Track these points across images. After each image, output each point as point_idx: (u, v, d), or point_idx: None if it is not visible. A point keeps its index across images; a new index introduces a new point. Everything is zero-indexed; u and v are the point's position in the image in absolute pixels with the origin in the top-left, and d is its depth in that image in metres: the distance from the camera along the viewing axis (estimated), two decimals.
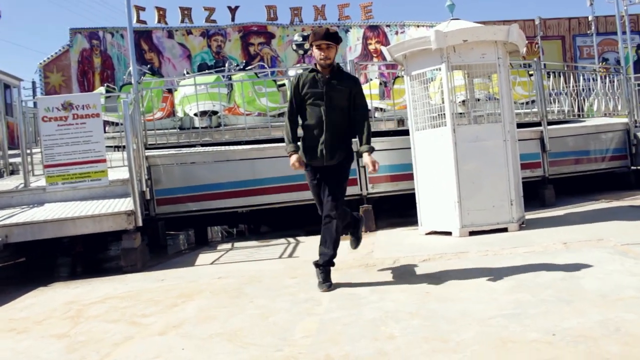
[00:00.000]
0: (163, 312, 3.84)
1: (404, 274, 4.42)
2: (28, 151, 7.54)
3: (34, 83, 22.58)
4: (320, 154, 4.12)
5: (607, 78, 11.80)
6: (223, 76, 10.12)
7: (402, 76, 7.42)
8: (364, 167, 7.26)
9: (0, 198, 6.70)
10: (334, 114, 4.10)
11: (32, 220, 5.80)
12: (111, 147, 8.47)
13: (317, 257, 4.19)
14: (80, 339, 3.35)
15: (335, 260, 4.19)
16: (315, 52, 4.09)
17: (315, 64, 4.18)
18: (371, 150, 4.14)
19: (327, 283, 4.07)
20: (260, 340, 3.02)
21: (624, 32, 13.51)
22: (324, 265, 4.14)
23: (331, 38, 4.05)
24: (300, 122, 4.27)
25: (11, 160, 8.89)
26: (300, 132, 4.29)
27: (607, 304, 3.13)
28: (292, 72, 11.87)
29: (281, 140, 6.13)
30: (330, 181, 4.14)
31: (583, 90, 11.49)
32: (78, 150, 6.64)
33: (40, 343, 3.35)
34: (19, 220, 5.82)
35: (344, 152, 4.21)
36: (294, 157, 4.13)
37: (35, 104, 9.01)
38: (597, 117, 11.27)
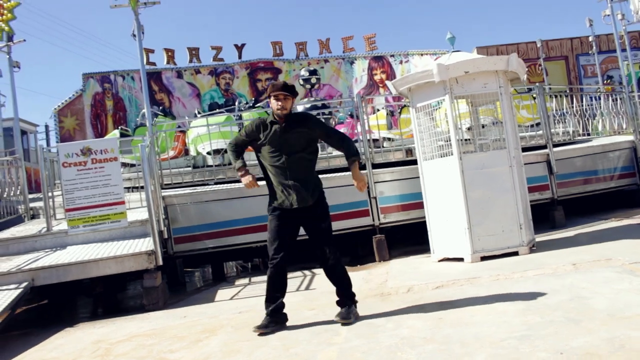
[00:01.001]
0: (188, 347, 4.00)
1: (418, 301, 4.55)
2: (50, 194, 7.78)
3: (47, 127, 23.11)
4: (288, 199, 4.24)
5: (611, 97, 11.96)
6: (233, 115, 10.40)
7: (408, 105, 7.65)
8: (375, 198, 7.51)
9: (25, 242, 6.95)
10: (295, 159, 4.26)
11: (57, 264, 6.01)
12: (128, 188, 8.71)
13: (334, 288, 4.34)
14: None
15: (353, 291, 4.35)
16: (273, 103, 4.29)
17: (273, 114, 4.35)
18: (357, 157, 4.32)
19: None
20: None
21: (623, 50, 13.70)
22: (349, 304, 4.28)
23: (288, 90, 4.28)
24: (262, 171, 4.43)
25: (31, 204, 9.15)
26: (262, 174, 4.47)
27: (614, 322, 3.26)
28: (300, 108, 12.17)
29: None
30: (316, 227, 4.28)
31: (586, 110, 11.63)
32: (97, 193, 6.89)
33: None
34: (44, 264, 6.04)
35: (315, 193, 4.31)
36: (248, 177, 4.31)
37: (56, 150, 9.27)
38: (604, 136, 11.40)
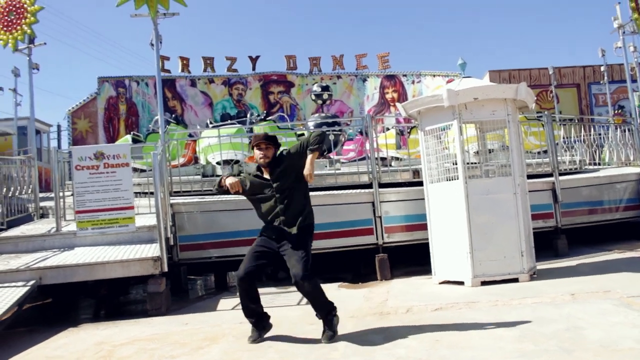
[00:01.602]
0: (190, 354, 4.10)
1: (417, 322, 4.63)
2: (60, 194, 7.91)
3: (59, 127, 23.38)
4: (278, 227, 4.40)
5: (620, 127, 12.02)
6: (245, 127, 10.55)
7: (417, 127, 7.76)
8: (380, 217, 7.60)
9: (34, 241, 7.09)
10: (285, 198, 4.41)
11: (64, 264, 6.14)
12: (137, 193, 8.84)
13: (333, 304, 4.40)
14: None
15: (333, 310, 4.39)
16: (256, 152, 4.48)
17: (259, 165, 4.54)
18: (316, 149, 4.36)
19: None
20: None
21: (634, 81, 13.78)
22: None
23: (270, 139, 4.50)
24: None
25: (41, 204, 9.29)
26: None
27: (607, 353, 3.34)
28: (311, 123, 12.31)
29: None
30: (292, 249, 4.30)
31: (595, 140, 11.70)
32: (108, 197, 7.02)
33: None
34: (52, 264, 6.17)
35: (304, 223, 4.42)
36: (232, 178, 4.42)
37: (69, 151, 9.43)
38: (611, 166, 11.45)
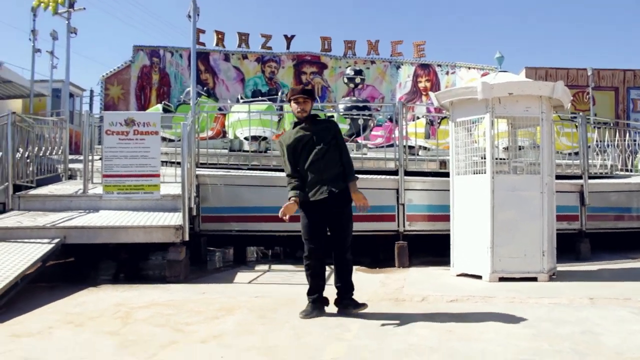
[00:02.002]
0: (205, 322, 4.18)
1: (431, 311, 4.64)
2: (89, 157, 8.05)
3: (92, 92, 23.70)
4: (324, 190, 4.44)
5: None
6: (275, 105, 10.57)
7: (448, 117, 7.69)
8: (403, 204, 7.58)
9: (61, 201, 7.25)
10: (326, 151, 4.49)
11: (89, 225, 6.28)
12: (164, 162, 8.95)
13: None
14: (130, 338, 3.71)
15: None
16: (293, 106, 4.57)
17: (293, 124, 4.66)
18: (354, 179, 4.56)
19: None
20: (293, 357, 3.31)
21: None
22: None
23: (307, 93, 4.57)
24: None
25: (69, 165, 9.47)
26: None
27: None
28: (341, 106, 12.28)
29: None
30: (337, 223, 4.52)
31: (629, 146, 11.45)
32: (135, 163, 7.13)
33: (96, 337, 3.74)
34: (77, 224, 6.31)
35: (345, 191, 4.52)
36: (291, 201, 4.49)
37: (100, 117, 9.57)
38: None
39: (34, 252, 5.56)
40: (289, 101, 4.64)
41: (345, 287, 4.51)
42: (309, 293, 4.50)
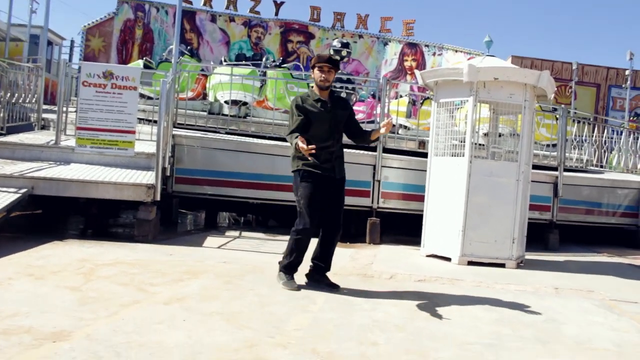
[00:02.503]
0: (169, 284, 4.11)
1: (398, 289, 4.65)
2: (64, 108, 7.83)
3: (72, 42, 23.04)
4: (330, 167, 4.41)
5: (633, 134, 11.89)
6: (258, 70, 10.39)
7: (431, 98, 7.64)
8: (379, 181, 7.56)
9: (31, 150, 7.05)
10: (338, 131, 4.50)
11: (58, 177, 6.12)
12: (140, 119, 8.76)
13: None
14: (92, 295, 3.63)
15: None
16: (316, 74, 4.42)
17: (312, 89, 4.53)
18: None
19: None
20: (256, 325, 3.27)
21: None
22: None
23: (333, 63, 4.44)
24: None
25: (43, 115, 9.21)
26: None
27: (580, 351, 3.34)
28: None
29: None
30: (338, 199, 4.52)
31: (605, 142, 11.57)
32: (111, 118, 6.94)
33: (56, 292, 3.65)
34: (46, 175, 6.15)
35: (344, 170, 4.61)
36: (303, 147, 4.13)
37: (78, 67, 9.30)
38: (616, 171, 11.37)
39: None
40: (312, 68, 4.48)
41: (326, 268, 4.54)
42: (288, 270, 4.42)
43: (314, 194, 4.34)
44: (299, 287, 4.32)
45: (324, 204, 4.41)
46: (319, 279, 4.48)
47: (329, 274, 4.55)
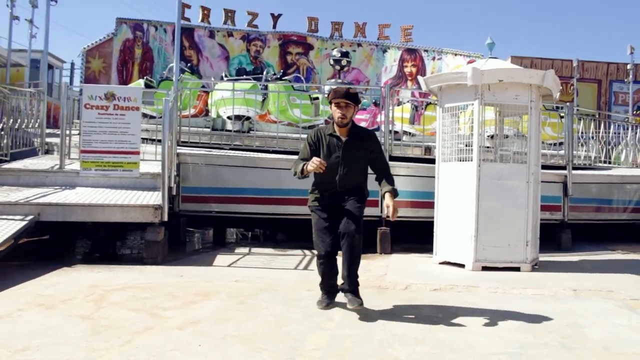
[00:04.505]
0: (182, 307, 4.04)
1: (414, 301, 4.55)
2: (67, 132, 7.79)
3: (72, 65, 23.15)
4: (333, 191, 4.14)
5: (638, 128, 11.80)
6: (260, 84, 10.36)
7: (434, 103, 7.57)
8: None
9: (36, 176, 7.01)
10: (350, 174, 4.13)
11: (64, 202, 6.07)
12: (144, 139, 8.72)
13: None
14: (104, 323, 3.56)
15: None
16: (334, 110, 4.12)
17: (332, 123, 4.22)
18: (394, 192, 4.15)
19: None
20: (273, 347, 3.19)
21: None
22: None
23: (351, 98, 4.07)
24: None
25: (46, 139, 9.19)
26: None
27: (608, 356, 3.24)
28: (327, 88, 12.08)
29: None
30: (347, 209, 4.07)
31: (611, 138, 11.48)
32: (114, 140, 6.91)
33: (67, 322, 3.57)
34: (52, 201, 6.10)
35: (359, 189, 4.22)
36: (314, 159, 3.94)
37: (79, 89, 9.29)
38: (624, 166, 11.28)
39: (6, 229, 5.36)
40: (330, 103, 4.18)
41: (345, 285, 4.12)
42: (324, 291, 4.23)
43: (320, 220, 4.12)
44: (328, 305, 4.13)
45: (337, 222, 4.07)
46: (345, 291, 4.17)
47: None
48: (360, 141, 4.19)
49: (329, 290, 4.24)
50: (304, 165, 4.00)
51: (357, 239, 3.99)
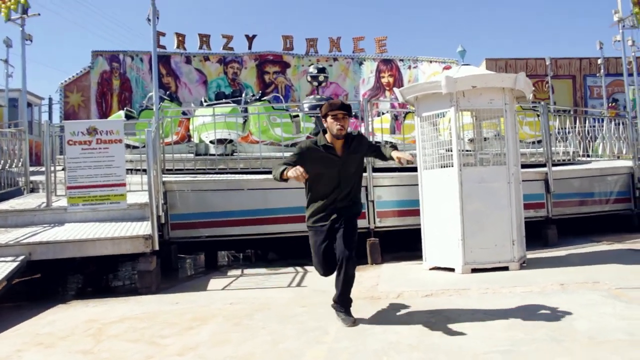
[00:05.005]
0: (179, 334, 4.10)
1: (407, 308, 4.65)
2: (52, 169, 7.83)
3: (50, 100, 23.09)
4: (332, 216, 4.20)
5: (614, 121, 12.06)
6: (239, 107, 10.47)
7: (413, 112, 7.72)
8: (372, 201, 7.59)
9: (23, 216, 7.03)
10: (348, 181, 4.24)
11: (54, 240, 6.09)
12: (129, 170, 8.77)
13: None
14: (104, 356, 3.61)
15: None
16: (331, 122, 4.14)
17: (324, 134, 4.25)
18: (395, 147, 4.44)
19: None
20: None
21: (630, 75, 13.79)
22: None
23: (347, 109, 4.17)
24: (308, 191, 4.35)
25: (31, 178, 9.20)
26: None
27: (595, 345, 3.36)
28: (306, 105, 12.23)
29: None
30: (342, 231, 4.13)
31: (589, 132, 11.73)
32: (100, 173, 6.97)
33: (68, 358, 3.62)
34: (42, 239, 6.12)
35: (355, 203, 4.34)
36: (297, 167, 3.84)
37: (61, 127, 9.32)
38: (603, 159, 11.51)
39: None
40: (324, 116, 4.21)
41: (335, 302, 4.31)
42: (338, 307, 4.32)
43: (316, 242, 4.23)
44: (355, 321, 4.15)
45: (334, 239, 4.18)
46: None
47: (331, 294, 4.39)
48: (354, 149, 4.27)
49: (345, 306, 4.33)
50: (284, 169, 3.92)
51: (352, 266, 4.08)
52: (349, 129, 4.27)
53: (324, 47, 21.53)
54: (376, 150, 4.50)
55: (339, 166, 4.19)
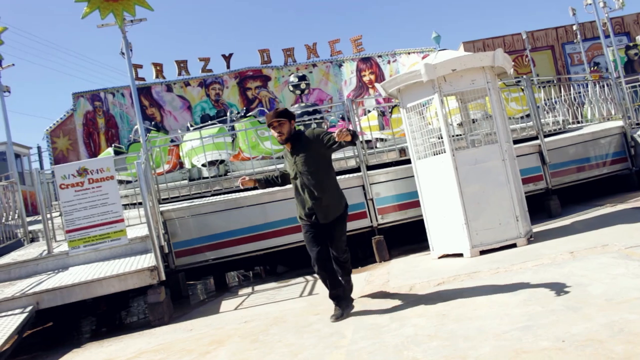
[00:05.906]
0: (198, 359, 4.05)
1: (421, 299, 4.62)
2: (48, 216, 7.79)
3: (39, 148, 23.07)
4: (313, 216, 4.59)
5: (599, 84, 12.09)
6: (226, 126, 10.46)
7: (399, 105, 7.72)
8: (372, 199, 7.57)
9: (26, 266, 6.98)
10: (308, 177, 4.53)
11: (60, 285, 6.05)
12: (125, 205, 8.74)
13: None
14: None
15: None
16: (272, 132, 4.57)
17: None
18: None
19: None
20: None
21: (607, 36, 13.84)
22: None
23: (280, 115, 4.50)
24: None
25: (30, 227, 9.15)
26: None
27: (612, 307, 3.33)
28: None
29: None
30: (331, 237, 4.66)
31: (575, 98, 11.76)
32: (96, 212, 6.92)
33: None
34: (48, 287, 6.07)
35: (338, 209, 4.68)
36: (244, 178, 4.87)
37: (51, 171, 9.30)
38: (594, 123, 11.52)
39: (7, 325, 5.34)
40: (269, 126, 4.62)
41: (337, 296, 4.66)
42: (329, 296, 4.64)
43: (307, 234, 4.65)
44: (338, 318, 4.43)
45: (324, 240, 4.65)
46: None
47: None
48: (303, 148, 4.55)
49: (336, 297, 4.61)
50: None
51: (345, 259, 4.79)
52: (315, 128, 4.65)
53: (302, 55, 21.63)
54: (328, 141, 4.51)
55: (294, 166, 4.59)
